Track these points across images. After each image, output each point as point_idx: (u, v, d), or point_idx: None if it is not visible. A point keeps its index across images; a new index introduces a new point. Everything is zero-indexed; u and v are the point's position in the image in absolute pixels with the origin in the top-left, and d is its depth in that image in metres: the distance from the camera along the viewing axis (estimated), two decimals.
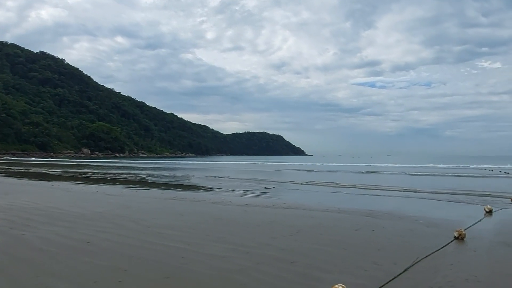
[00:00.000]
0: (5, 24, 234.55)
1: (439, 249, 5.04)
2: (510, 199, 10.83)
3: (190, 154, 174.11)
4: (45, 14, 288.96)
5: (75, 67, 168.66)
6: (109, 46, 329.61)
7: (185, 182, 19.64)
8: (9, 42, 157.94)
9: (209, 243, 5.29)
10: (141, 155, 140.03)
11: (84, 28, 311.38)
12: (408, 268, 4.17)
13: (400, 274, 3.96)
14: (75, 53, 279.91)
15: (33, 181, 18.32)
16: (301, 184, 18.16)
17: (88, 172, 27.64)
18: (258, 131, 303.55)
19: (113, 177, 22.79)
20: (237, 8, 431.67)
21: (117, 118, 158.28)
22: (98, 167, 39.04)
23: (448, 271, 4.08)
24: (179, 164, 55.29)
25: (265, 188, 15.61)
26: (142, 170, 33.36)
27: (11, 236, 5.65)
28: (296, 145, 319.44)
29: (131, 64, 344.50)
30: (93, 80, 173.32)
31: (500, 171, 31.30)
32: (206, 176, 24.75)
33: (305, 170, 35.02)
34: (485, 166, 43.21)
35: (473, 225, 6.88)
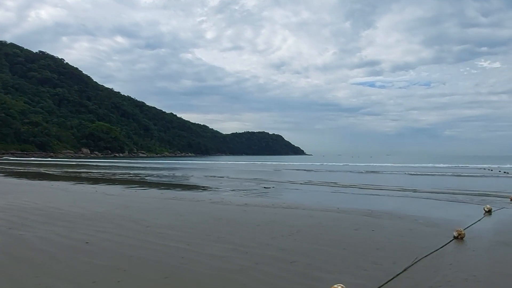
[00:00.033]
0: (4, 24, 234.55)
1: (439, 248, 5.04)
2: (509, 199, 10.85)
3: (189, 154, 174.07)
4: (44, 14, 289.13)
5: (75, 67, 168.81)
6: (109, 46, 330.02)
7: (185, 182, 19.63)
8: (9, 41, 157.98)
9: (209, 243, 5.29)
10: (141, 155, 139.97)
11: (84, 28, 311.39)
12: (407, 267, 4.17)
13: (399, 274, 3.97)
14: (75, 53, 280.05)
15: (33, 181, 18.31)
16: (300, 184, 18.16)
17: (87, 172, 27.62)
18: (257, 131, 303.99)
19: (113, 177, 22.78)
20: (236, 7, 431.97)
21: (117, 118, 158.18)
22: (98, 167, 39.01)
23: (447, 271, 4.08)
24: (179, 164, 55.27)
25: (264, 188, 15.61)
26: (141, 170, 33.34)
27: (11, 236, 5.64)
28: (295, 145, 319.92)
29: (130, 64, 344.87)
30: (92, 80, 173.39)
31: (500, 171, 31.33)
32: (206, 176, 24.74)
33: (305, 170, 35.02)
34: (485, 165, 43.26)
35: (472, 224, 6.88)
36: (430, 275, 3.93)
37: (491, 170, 33.61)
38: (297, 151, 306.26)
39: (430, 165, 48.06)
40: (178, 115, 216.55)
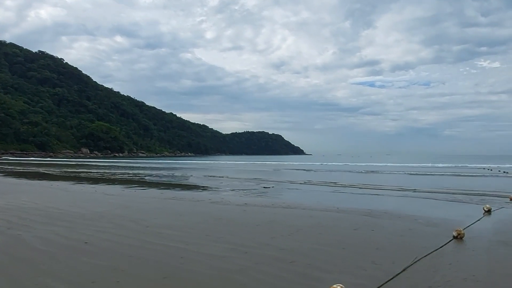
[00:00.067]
0: (4, 23, 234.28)
1: (438, 248, 5.04)
2: (509, 198, 10.85)
3: (189, 154, 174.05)
4: (44, 13, 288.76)
5: (74, 66, 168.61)
6: (109, 46, 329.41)
7: (184, 182, 19.62)
8: (8, 41, 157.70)
9: (208, 243, 5.29)
10: (140, 154, 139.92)
11: (83, 27, 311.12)
12: (407, 267, 4.17)
13: (399, 273, 3.96)
14: (74, 53, 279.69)
15: (32, 181, 18.29)
16: (300, 183, 18.16)
17: (87, 172, 27.60)
18: (257, 130, 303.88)
19: (112, 176, 22.77)
20: (236, 7, 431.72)
21: (116, 117, 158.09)
22: (97, 166, 38.99)
23: (447, 271, 4.08)
24: (178, 163, 55.26)
25: (264, 187, 15.61)
26: (141, 169, 33.33)
27: (10, 236, 5.64)
28: (295, 145, 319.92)
29: (130, 64, 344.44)
30: (92, 79, 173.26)
31: (499, 171, 31.36)
32: (205, 175, 24.73)
33: (304, 170, 35.03)
34: (484, 165, 43.29)
35: (472, 224, 6.89)
36: (430, 275, 3.93)
37: (491, 169, 33.63)
38: (296, 151, 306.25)
39: (429, 164, 48.10)
40: (177, 115, 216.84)
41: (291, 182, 18.90)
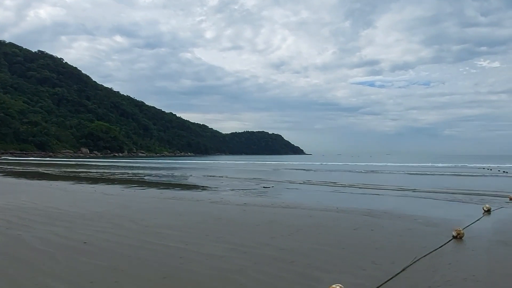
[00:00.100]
0: (3, 23, 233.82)
1: (438, 248, 5.04)
2: (508, 198, 10.86)
3: (189, 154, 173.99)
4: (43, 13, 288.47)
5: (74, 66, 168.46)
6: (108, 46, 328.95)
7: (184, 182, 19.61)
8: (7, 41, 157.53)
9: (208, 243, 5.28)
10: (140, 154, 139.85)
11: (83, 27, 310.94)
12: (406, 267, 4.16)
13: (398, 273, 3.96)
14: (74, 53, 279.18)
15: (31, 181, 18.28)
16: (300, 183, 18.16)
17: (86, 172, 27.58)
18: (257, 130, 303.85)
19: (112, 176, 22.75)
20: (236, 7, 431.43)
21: (116, 117, 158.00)
22: (97, 166, 38.97)
23: (446, 271, 4.08)
24: (178, 163, 55.26)
25: (264, 187, 15.60)
26: (141, 169, 33.32)
27: (9, 236, 5.63)
28: (295, 145, 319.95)
29: (130, 64, 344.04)
30: (92, 79, 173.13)
31: (499, 170, 31.38)
32: (205, 175, 24.73)
33: (304, 170, 35.03)
34: (484, 165, 43.32)
35: (471, 224, 6.89)
36: (429, 275, 3.92)
37: (491, 169, 33.66)
38: (296, 150, 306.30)
39: (429, 164, 48.12)
40: (177, 115, 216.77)
41: (291, 182, 18.90)
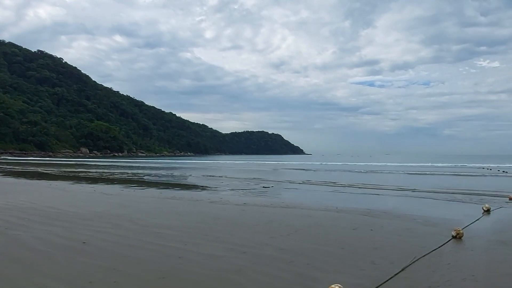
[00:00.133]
0: (3, 23, 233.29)
1: (437, 248, 5.03)
2: (508, 198, 10.86)
3: (189, 153, 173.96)
4: (43, 13, 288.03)
5: (73, 66, 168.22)
6: (108, 45, 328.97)
7: (183, 182, 19.60)
8: (7, 41, 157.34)
9: (207, 242, 5.27)
10: (140, 154, 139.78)
11: (83, 27, 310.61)
12: (405, 267, 4.15)
13: (397, 273, 3.95)
14: (73, 52, 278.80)
15: (31, 181, 18.26)
16: (299, 183, 18.16)
17: (86, 172, 27.56)
18: (257, 130, 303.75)
19: (111, 176, 22.74)
20: (236, 7, 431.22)
21: (116, 117, 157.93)
22: (96, 166, 38.95)
23: (445, 271, 4.07)
24: (178, 163, 55.24)
25: (263, 187, 15.60)
26: (140, 169, 33.30)
27: (7, 236, 5.61)
28: (295, 144, 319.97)
29: (129, 63, 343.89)
30: (91, 79, 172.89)
31: (498, 170, 31.40)
32: (205, 175, 24.72)
33: (304, 169, 35.03)
34: (483, 165, 43.34)
35: (471, 224, 6.88)
36: (428, 275, 3.92)
37: (490, 169, 33.68)
38: (296, 150, 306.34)
39: (429, 164, 48.14)
40: (177, 115, 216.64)
41: (291, 182, 18.90)
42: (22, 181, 18.17)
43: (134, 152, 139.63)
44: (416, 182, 19.52)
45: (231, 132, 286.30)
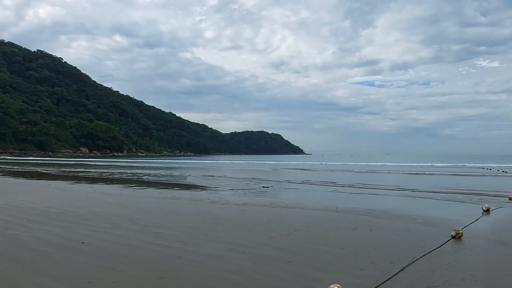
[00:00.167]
0: (2, 22, 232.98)
1: (436, 248, 5.03)
2: (507, 198, 10.86)
3: (188, 153, 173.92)
4: (42, 12, 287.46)
5: (73, 66, 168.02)
6: (108, 45, 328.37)
7: (183, 181, 19.60)
8: (6, 40, 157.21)
9: (206, 242, 5.27)
10: (140, 154, 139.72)
11: (82, 27, 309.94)
12: (405, 267, 4.15)
13: (396, 273, 3.95)
14: (73, 52, 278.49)
15: (30, 181, 18.25)
16: (299, 183, 18.16)
17: (85, 171, 27.55)
18: (257, 130, 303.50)
19: (111, 176, 22.73)
20: (235, 7, 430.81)
21: (116, 117, 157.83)
22: (96, 166, 38.93)
23: (444, 271, 4.07)
24: (178, 163, 55.23)
25: (263, 187, 15.60)
26: (140, 169, 33.29)
27: (6, 236, 5.61)
28: (295, 144, 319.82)
29: (129, 63, 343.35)
30: (91, 79, 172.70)
31: (498, 170, 31.41)
32: (204, 175, 24.72)
33: (304, 169, 35.03)
34: (483, 165, 43.37)
35: (470, 224, 6.88)
36: (427, 275, 3.92)
37: (490, 169, 33.70)
38: (296, 150, 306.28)
39: (429, 164, 48.17)
40: (177, 114, 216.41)
41: (290, 182, 18.90)
42: (22, 181, 18.16)
43: (134, 152, 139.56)
44: (416, 182, 19.52)
45: (231, 132, 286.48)
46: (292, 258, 4.49)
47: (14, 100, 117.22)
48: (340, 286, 3.14)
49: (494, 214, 8.28)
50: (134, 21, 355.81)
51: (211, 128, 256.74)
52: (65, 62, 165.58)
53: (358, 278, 3.81)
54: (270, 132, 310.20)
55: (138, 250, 4.81)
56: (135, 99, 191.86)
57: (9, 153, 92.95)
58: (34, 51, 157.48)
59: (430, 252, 4.82)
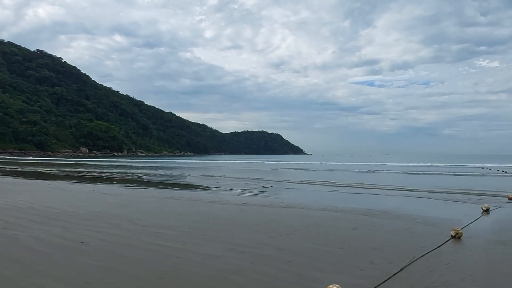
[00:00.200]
0: (2, 22, 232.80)
1: (436, 248, 5.03)
2: (507, 198, 10.85)
3: (188, 153, 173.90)
4: (42, 12, 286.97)
5: (73, 65, 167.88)
6: (107, 45, 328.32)
7: (183, 181, 19.59)
8: (6, 40, 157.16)
9: (206, 242, 5.26)
10: (140, 154, 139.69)
11: (82, 26, 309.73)
12: (404, 267, 4.15)
13: (396, 273, 3.94)
14: (73, 52, 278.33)
15: (30, 180, 18.24)
16: (299, 183, 18.15)
17: (85, 171, 27.54)
18: (257, 130, 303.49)
19: (111, 176, 22.72)
20: (235, 6, 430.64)
21: (115, 117, 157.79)
22: (96, 166, 38.92)
23: (444, 271, 4.06)
24: (177, 163, 55.22)
25: (263, 187, 15.59)
26: (140, 169, 33.28)
27: (5, 236, 5.60)
28: (295, 144, 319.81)
29: (129, 63, 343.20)
30: (91, 78, 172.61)
31: (498, 170, 31.42)
32: (204, 175, 24.71)
33: (303, 169, 35.03)
34: (483, 164, 43.37)
35: (470, 224, 6.88)
36: (427, 275, 3.91)
37: (490, 169, 33.70)
38: (296, 150, 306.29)
39: (429, 164, 48.17)
40: (177, 114, 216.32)
41: (290, 182, 18.89)
42: (21, 180, 18.15)
43: (133, 152, 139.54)
44: (416, 182, 19.52)
45: (231, 132, 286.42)
46: (292, 258, 4.48)
47: (14, 100, 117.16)
48: (339, 286, 3.13)
49: (494, 214, 8.28)
50: (134, 21, 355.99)
51: (211, 128, 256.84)
52: (65, 62, 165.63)
53: (357, 278, 3.81)
54: (270, 132, 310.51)
55: (138, 250, 4.80)
56: (135, 99, 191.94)
57: (9, 153, 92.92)
58: (34, 51, 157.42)
59: (429, 252, 4.82)
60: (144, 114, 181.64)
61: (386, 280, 3.73)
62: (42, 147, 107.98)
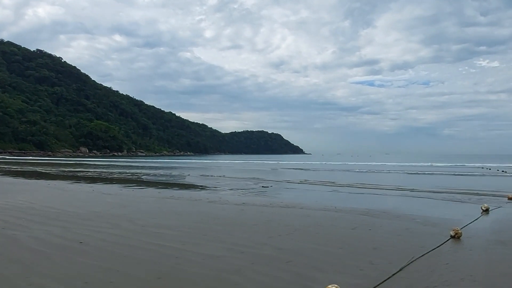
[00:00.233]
0: (1, 22, 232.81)
1: (435, 248, 5.03)
2: (507, 198, 10.86)
3: (188, 153, 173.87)
4: (42, 12, 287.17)
5: (73, 65, 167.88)
6: (107, 45, 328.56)
7: (183, 181, 19.59)
8: (6, 40, 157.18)
9: (205, 242, 5.26)
10: (140, 154, 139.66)
11: (82, 26, 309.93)
12: (403, 267, 4.15)
13: (395, 273, 3.94)
14: (73, 52, 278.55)
15: (29, 180, 18.23)
16: (298, 183, 18.15)
17: (85, 171, 27.53)
18: (256, 130, 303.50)
19: (110, 176, 22.71)
20: (235, 6, 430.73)
21: (115, 116, 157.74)
22: (95, 166, 38.91)
23: (443, 271, 4.06)
24: (177, 163, 55.21)
25: (262, 187, 15.59)
26: (140, 169, 33.27)
27: (4, 236, 5.59)
28: (295, 144, 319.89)
29: (129, 63, 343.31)
30: (91, 78, 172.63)
31: (498, 170, 31.43)
32: (204, 175, 24.70)
33: (303, 169, 35.03)
34: (483, 164, 43.39)
35: (469, 223, 6.88)
36: (426, 275, 3.91)
37: (490, 169, 33.71)
38: (296, 150, 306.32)
39: (429, 164, 48.18)
40: (177, 114, 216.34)
41: (290, 182, 18.89)
42: (21, 180, 18.14)
43: (133, 152, 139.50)
44: (415, 182, 19.52)
45: (231, 132, 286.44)
46: (291, 258, 4.48)
47: (14, 99, 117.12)
48: (339, 287, 3.13)
49: (493, 214, 8.28)
50: (134, 20, 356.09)
51: (211, 127, 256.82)
52: (65, 61, 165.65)
53: (357, 278, 3.81)
54: (270, 132, 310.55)
55: (137, 250, 4.80)
56: (135, 98, 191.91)
57: (9, 152, 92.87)
58: (34, 51, 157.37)
59: (429, 252, 4.82)
60: (144, 114, 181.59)
61: (385, 280, 3.73)
62: (42, 147, 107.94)
